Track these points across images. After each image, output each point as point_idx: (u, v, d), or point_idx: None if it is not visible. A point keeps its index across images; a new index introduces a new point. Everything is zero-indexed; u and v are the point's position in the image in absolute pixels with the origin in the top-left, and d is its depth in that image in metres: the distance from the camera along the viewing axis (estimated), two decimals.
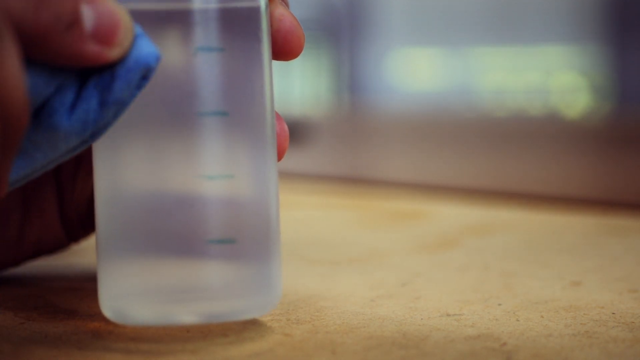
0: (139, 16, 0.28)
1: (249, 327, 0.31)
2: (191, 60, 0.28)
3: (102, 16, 0.26)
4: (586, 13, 4.95)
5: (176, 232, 0.28)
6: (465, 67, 5.23)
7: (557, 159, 1.29)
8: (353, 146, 1.67)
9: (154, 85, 0.28)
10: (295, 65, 5.26)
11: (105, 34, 0.26)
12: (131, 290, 0.28)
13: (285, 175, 0.90)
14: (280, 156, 0.32)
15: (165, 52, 0.28)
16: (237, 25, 0.29)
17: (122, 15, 0.27)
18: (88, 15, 0.26)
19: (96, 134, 0.26)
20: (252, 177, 0.29)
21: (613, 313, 0.33)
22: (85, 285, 0.37)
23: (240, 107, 0.29)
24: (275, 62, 0.31)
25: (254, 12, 0.29)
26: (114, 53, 0.27)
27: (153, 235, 0.28)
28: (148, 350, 0.28)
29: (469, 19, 5.16)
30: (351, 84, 5.35)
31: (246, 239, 0.28)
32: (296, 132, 1.51)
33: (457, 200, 0.71)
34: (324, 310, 0.34)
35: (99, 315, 0.32)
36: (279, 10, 0.31)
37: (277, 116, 0.32)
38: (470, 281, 0.39)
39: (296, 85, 5.30)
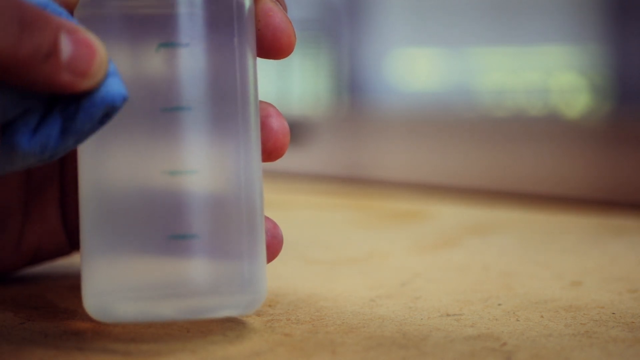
0: (102, 15, 0.28)
1: (249, 327, 0.31)
2: (154, 55, 0.28)
3: (79, 47, 0.26)
4: (586, 13, 4.95)
5: (139, 228, 0.28)
6: (465, 67, 5.23)
7: (557, 159, 1.29)
8: (353, 146, 1.67)
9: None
10: (294, 66, 5.26)
11: (80, 66, 0.26)
12: (109, 288, 0.28)
13: (285, 175, 0.90)
14: (279, 152, 0.32)
15: (130, 47, 0.28)
16: (205, 19, 0.28)
17: (98, 48, 0.27)
18: (66, 46, 0.26)
19: (54, 156, 0.27)
20: (218, 173, 0.29)
21: (613, 313, 0.33)
22: None
23: (206, 103, 0.28)
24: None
25: (225, 6, 0.29)
26: (85, 84, 0.27)
27: (121, 232, 0.28)
28: (148, 350, 0.28)
29: (469, 19, 5.16)
30: (351, 84, 5.35)
31: (211, 236, 0.28)
32: (296, 132, 1.51)
33: (457, 200, 0.71)
34: (324, 310, 0.34)
35: None
36: (268, 6, 0.31)
37: (276, 112, 0.32)
38: (470, 281, 0.39)
39: (296, 85, 5.30)
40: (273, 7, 0.31)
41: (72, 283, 0.38)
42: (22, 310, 0.33)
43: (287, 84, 5.18)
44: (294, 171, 0.95)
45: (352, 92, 5.29)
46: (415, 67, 5.31)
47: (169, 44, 0.28)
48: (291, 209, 0.65)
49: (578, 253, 0.46)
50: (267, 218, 0.32)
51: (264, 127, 0.31)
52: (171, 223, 0.28)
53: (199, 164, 0.28)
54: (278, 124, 0.31)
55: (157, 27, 0.28)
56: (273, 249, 0.32)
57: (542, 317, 0.32)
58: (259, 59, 0.31)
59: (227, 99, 0.29)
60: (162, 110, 0.28)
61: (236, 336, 0.30)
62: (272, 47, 0.31)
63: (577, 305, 0.34)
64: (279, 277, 0.39)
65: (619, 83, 4.80)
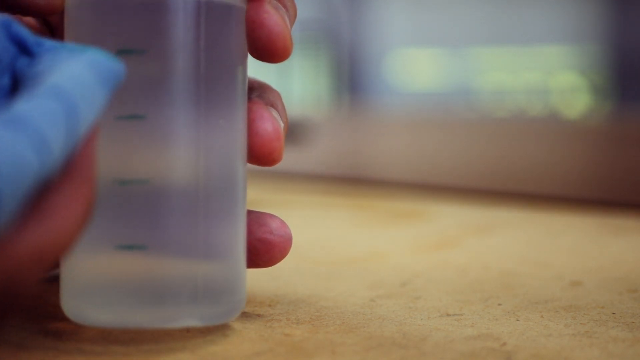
0: (73, 14, 0.28)
1: (249, 327, 0.31)
2: None
3: None
4: (586, 13, 4.95)
5: (91, 236, 0.28)
6: (465, 67, 5.23)
7: (557, 159, 1.29)
8: (353, 146, 1.67)
9: None
10: (294, 66, 5.27)
11: None
12: (75, 290, 0.28)
13: (286, 175, 0.90)
14: (269, 158, 0.30)
15: None
16: (163, 25, 0.28)
17: None
18: None
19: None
20: (170, 182, 0.28)
21: (613, 313, 0.33)
22: None
23: (160, 111, 0.28)
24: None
25: (189, 10, 0.28)
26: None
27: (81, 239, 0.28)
28: (148, 350, 0.28)
29: (469, 19, 5.16)
30: (351, 84, 5.35)
31: (160, 246, 0.28)
32: (296, 132, 1.51)
33: (457, 200, 0.71)
34: (324, 310, 0.34)
35: None
36: (264, 8, 0.30)
37: (266, 115, 0.30)
38: (470, 281, 0.39)
39: (296, 85, 5.30)
40: (269, 9, 0.30)
41: None
42: (22, 311, 0.33)
43: (287, 84, 5.18)
44: (294, 171, 0.95)
45: (352, 92, 5.29)
46: (415, 67, 5.31)
47: (126, 50, 0.28)
48: (291, 209, 0.65)
49: (578, 253, 0.46)
50: (274, 217, 0.32)
51: (250, 131, 0.30)
52: (119, 233, 0.28)
53: (150, 173, 0.28)
54: (264, 128, 0.30)
55: (116, 32, 0.28)
56: (282, 247, 0.31)
57: (542, 317, 0.32)
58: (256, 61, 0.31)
59: (186, 107, 0.28)
60: (117, 118, 0.28)
61: (236, 336, 0.30)
62: (266, 50, 0.30)
63: (577, 305, 0.34)
64: (279, 277, 0.39)
65: (619, 83, 4.80)
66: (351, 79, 5.33)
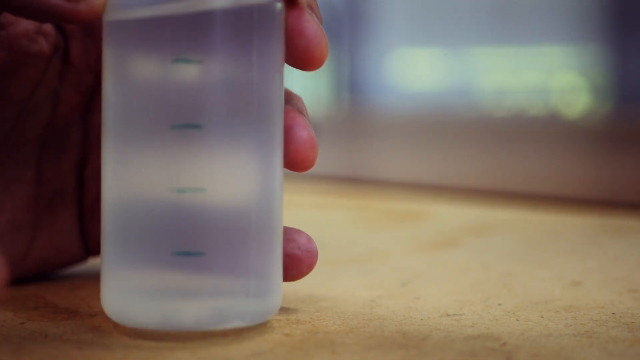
0: (122, 24, 0.28)
1: (249, 327, 0.31)
2: (169, 70, 0.28)
3: None
4: (586, 13, 4.95)
5: (147, 243, 0.28)
6: (465, 67, 5.23)
7: (557, 159, 1.29)
8: (353, 146, 1.67)
9: (133, 93, 0.28)
10: None
11: None
12: (121, 294, 0.29)
13: (285, 175, 0.90)
14: (304, 165, 0.31)
15: (145, 61, 0.28)
16: (220, 35, 0.28)
17: None
18: None
19: None
20: (226, 190, 0.28)
21: (613, 313, 0.33)
22: (85, 284, 0.37)
23: (216, 120, 0.28)
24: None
25: (244, 21, 0.28)
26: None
27: (131, 245, 0.28)
28: (148, 350, 0.28)
29: (469, 19, 5.16)
30: (351, 84, 5.35)
31: (217, 253, 0.28)
32: None
33: (457, 200, 0.71)
34: (324, 310, 0.34)
35: (99, 315, 0.32)
36: (305, 16, 0.30)
37: (302, 122, 0.31)
38: (470, 281, 0.39)
39: (296, 85, 5.29)
40: (309, 18, 0.30)
41: (71, 283, 0.38)
42: (22, 310, 0.33)
43: (287, 84, 5.18)
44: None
45: (353, 92, 5.29)
46: (415, 67, 5.31)
47: (182, 59, 0.28)
48: (291, 208, 0.65)
49: (578, 253, 0.46)
50: (301, 232, 0.32)
51: (287, 138, 0.30)
52: (176, 239, 0.28)
53: (206, 182, 0.28)
54: (301, 136, 0.30)
55: (173, 41, 0.28)
56: (309, 262, 0.32)
57: (542, 317, 0.32)
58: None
59: (240, 116, 0.28)
60: (173, 127, 0.28)
61: (236, 336, 0.30)
62: (303, 58, 0.30)
63: (577, 305, 0.34)
64: None
65: (619, 83, 4.80)
66: (351, 79, 5.32)
